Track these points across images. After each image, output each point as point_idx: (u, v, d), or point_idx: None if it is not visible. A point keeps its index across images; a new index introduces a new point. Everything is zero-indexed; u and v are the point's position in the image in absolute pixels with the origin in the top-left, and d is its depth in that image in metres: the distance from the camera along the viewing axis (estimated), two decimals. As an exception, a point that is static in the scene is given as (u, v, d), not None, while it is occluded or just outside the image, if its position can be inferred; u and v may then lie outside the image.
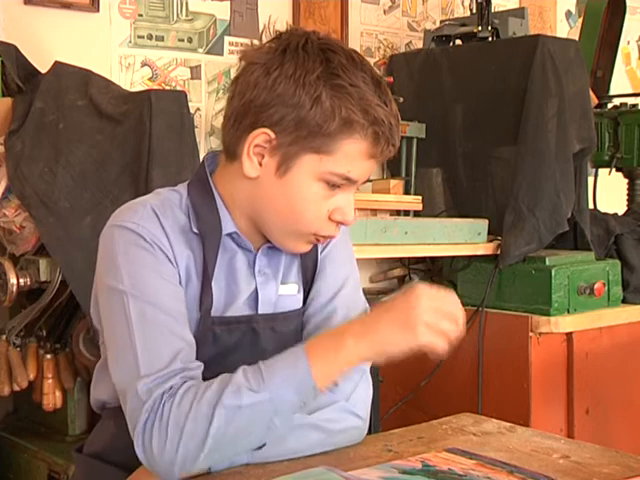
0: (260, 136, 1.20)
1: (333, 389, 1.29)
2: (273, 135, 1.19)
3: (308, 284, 1.36)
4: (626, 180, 3.14)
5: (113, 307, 1.20)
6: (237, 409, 1.11)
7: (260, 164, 1.22)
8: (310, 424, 1.25)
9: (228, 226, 1.27)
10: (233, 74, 1.29)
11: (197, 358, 1.20)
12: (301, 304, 1.35)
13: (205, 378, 1.18)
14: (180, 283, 1.23)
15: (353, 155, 1.21)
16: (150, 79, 2.67)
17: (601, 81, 3.24)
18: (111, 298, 1.21)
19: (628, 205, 3.12)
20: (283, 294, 1.33)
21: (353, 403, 1.31)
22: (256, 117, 1.20)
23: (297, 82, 1.17)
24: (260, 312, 1.29)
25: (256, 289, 1.29)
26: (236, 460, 1.20)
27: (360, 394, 1.33)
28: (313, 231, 1.25)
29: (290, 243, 1.28)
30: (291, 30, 1.24)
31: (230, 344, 1.27)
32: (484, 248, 2.64)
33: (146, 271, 1.20)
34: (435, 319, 1.17)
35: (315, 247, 1.35)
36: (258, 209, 1.25)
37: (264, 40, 1.24)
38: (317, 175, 1.21)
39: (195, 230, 1.25)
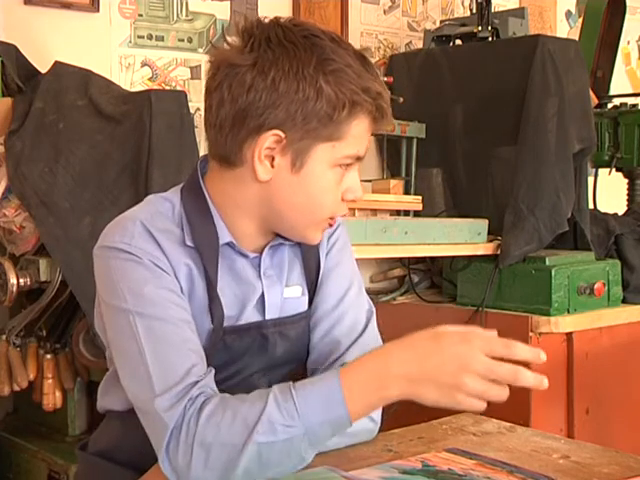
0: (270, 138, 1.17)
1: None
2: (283, 134, 1.17)
3: (313, 285, 1.35)
4: (626, 180, 3.14)
5: (120, 326, 1.19)
6: (271, 445, 1.09)
7: (272, 166, 1.20)
8: None
9: (224, 236, 1.25)
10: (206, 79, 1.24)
11: (207, 364, 1.19)
12: (306, 306, 1.34)
13: (215, 382, 1.18)
14: (182, 293, 1.22)
15: (360, 134, 1.21)
16: (150, 79, 2.67)
17: (601, 81, 3.23)
18: (117, 317, 1.20)
19: (628, 205, 3.12)
20: (288, 297, 1.32)
21: None
22: (259, 119, 1.17)
23: (297, 76, 1.15)
24: (268, 317, 1.28)
25: (262, 293, 1.28)
26: None
27: None
28: (330, 215, 1.25)
29: (310, 234, 1.26)
30: (257, 24, 1.20)
31: (240, 350, 1.27)
32: (484, 248, 2.64)
33: (147, 287, 1.18)
34: (481, 387, 1.08)
35: (316, 248, 1.34)
36: (273, 210, 1.23)
37: (229, 39, 1.21)
38: (332, 162, 1.20)
39: (189, 244, 1.23)
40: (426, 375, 1.09)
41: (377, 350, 1.15)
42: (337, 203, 1.24)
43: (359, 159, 1.23)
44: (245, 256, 1.28)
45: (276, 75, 1.16)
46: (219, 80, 1.20)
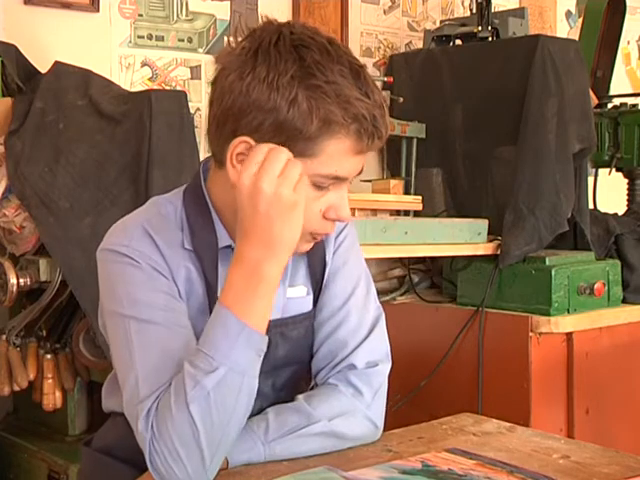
0: (241, 144, 1.16)
1: (356, 395, 1.30)
2: (253, 142, 1.15)
3: (318, 285, 1.34)
4: (626, 180, 3.14)
5: (116, 330, 1.20)
6: (207, 396, 1.10)
7: None
8: (330, 432, 1.26)
9: (223, 239, 1.25)
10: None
11: None
12: (311, 306, 1.34)
13: None
14: (180, 296, 1.22)
15: (338, 154, 1.16)
16: (150, 79, 2.67)
17: (601, 81, 3.23)
18: (113, 321, 1.20)
19: (628, 205, 3.12)
20: (292, 297, 1.32)
21: (372, 411, 1.32)
22: (235, 124, 1.16)
23: (271, 86, 1.13)
24: (270, 318, 1.29)
25: None
26: (253, 459, 1.20)
27: (379, 402, 1.34)
28: (308, 232, 1.21)
29: None
30: (264, 26, 1.19)
31: None
32: (484, 248, 2.64)
33: (143, 291, 1.19)
34: (292, 177, 1.11)
35: (322, 248, 1.34)
36: None
37: (239, 38, 1.19)
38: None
39: (188, 247, 1.23)
40: (273, 227, 1.11)
41: (234, 262, 1.15)
42: (314, 220, 1.21)
43: (338, 179, 1.19)
44: None
45: (251, 82, 1.14)
46: (213, 79, 1.21)
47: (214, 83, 1.20)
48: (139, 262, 1.19)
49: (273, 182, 1.11)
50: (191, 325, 1.21)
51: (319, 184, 1.18)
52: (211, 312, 1.21)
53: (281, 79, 1.13)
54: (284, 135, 1.14)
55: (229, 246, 1.26)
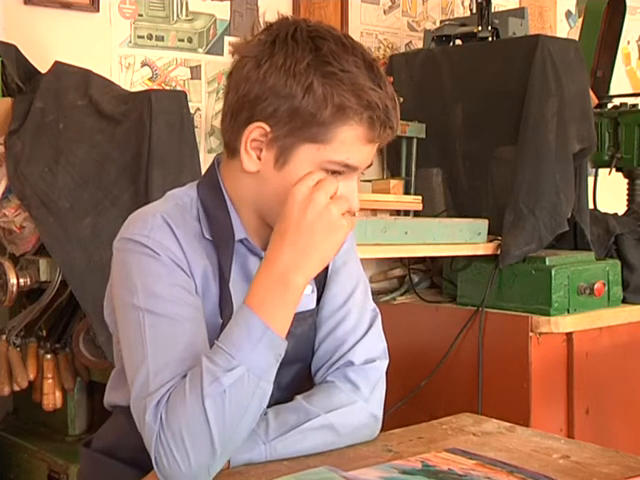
0: (256, 130, 1.19)
1: (354, 390, 1.30)
2: (268, 128, 1.19)
3: (321, 283, 1.36)
4: (626, 180, 3.14)
5: (129, 322, 1.20)
6: (223, 393, 1.10)
7: (259, 158, 1.21)
8: (329, 425, 1.27)
9: (239, 232, 1.27)
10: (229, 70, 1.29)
11: None
12: (314, 304, 1.35)
13: None
14: (197, 292, 1.22)
15: (351, 141, 1.19)
16: (150, 79, 2.67)
17: (601, 81, 3.23)
18: (127, 313, 1.20)
19: (628, 205, 3.12)
20: None
21: (371, 404, 1.33)
22: (251, 111, 1.19)
23: (287, 72, 1.17)
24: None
25: None
26: (254, 459, 1.21)
27: (377, 395, 1.34)
28: None
29: None
30: (281, 20, 1.23)
31: None
32: (484, 248, 2.64)
33: (160, 284, 1.19)
34: (343, 204, 1.16)
35: None
36: (262, 203, 1.25)
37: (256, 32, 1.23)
38: (316, 164, 1.19)
39: (207, 236, 1.24)
40: (312, 240, 1.14)
41: (264, 265, 1.16)
42: None
43: (350, 167, 1.21)
44: (257, 255, 1.29)
45: (268, 69, 1.18)
46: (230, 69, 1.24)
47: (230, 74, 1.23)
48: (159, 254, 1.20)
49: (327, 197, 1.15)
50: (206, 321, 1.22)
51: (331, 171, 1.20)
52: (222, 306, 1.23)
53: (298, 66, 1.16)
54: (299, 120, 1.17)
55: (243, 239, 1.27)
